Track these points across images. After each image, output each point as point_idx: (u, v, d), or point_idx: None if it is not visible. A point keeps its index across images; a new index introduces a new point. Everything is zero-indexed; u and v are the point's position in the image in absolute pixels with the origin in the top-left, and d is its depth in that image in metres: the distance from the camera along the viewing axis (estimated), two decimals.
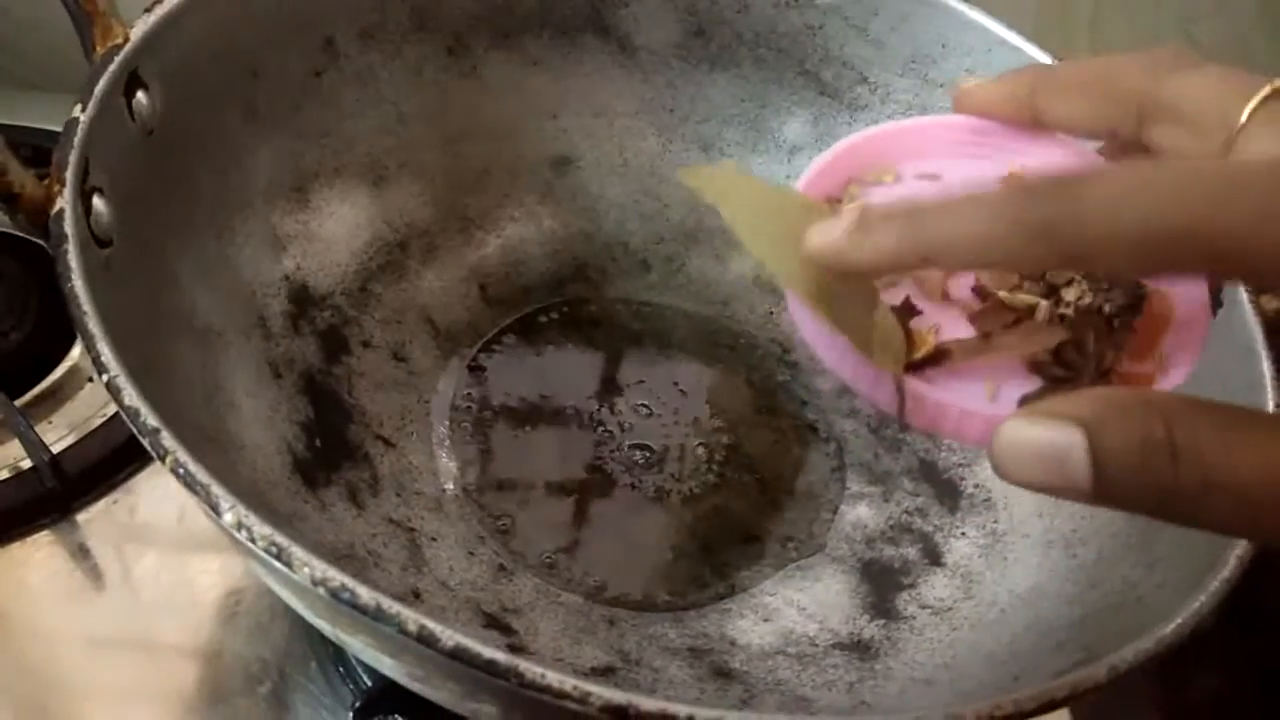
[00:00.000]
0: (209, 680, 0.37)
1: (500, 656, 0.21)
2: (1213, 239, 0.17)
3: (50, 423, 0.43)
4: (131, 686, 0.37)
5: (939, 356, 0.23)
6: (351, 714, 0.35)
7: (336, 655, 0.37)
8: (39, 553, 0.40)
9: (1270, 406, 0.31)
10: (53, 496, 0.41)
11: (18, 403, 0.42)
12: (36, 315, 0.47)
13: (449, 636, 0.21)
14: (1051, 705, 0.24)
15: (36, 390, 0.44)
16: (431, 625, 0.21)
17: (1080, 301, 0.24)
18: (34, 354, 0.45)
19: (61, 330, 0.46)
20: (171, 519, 0.41)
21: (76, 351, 0.46)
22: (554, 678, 0.21)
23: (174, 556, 0.41)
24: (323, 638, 0.38)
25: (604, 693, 0.21)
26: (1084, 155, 0.27)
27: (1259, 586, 0.56)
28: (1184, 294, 0.24)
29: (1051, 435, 0.19)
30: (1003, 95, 0.26)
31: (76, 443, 0.42)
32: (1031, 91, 0.26)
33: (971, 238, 0.19)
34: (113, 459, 0.42)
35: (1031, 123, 0.26)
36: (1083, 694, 0.24)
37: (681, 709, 0.21)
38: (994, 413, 0.23)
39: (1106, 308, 0.24)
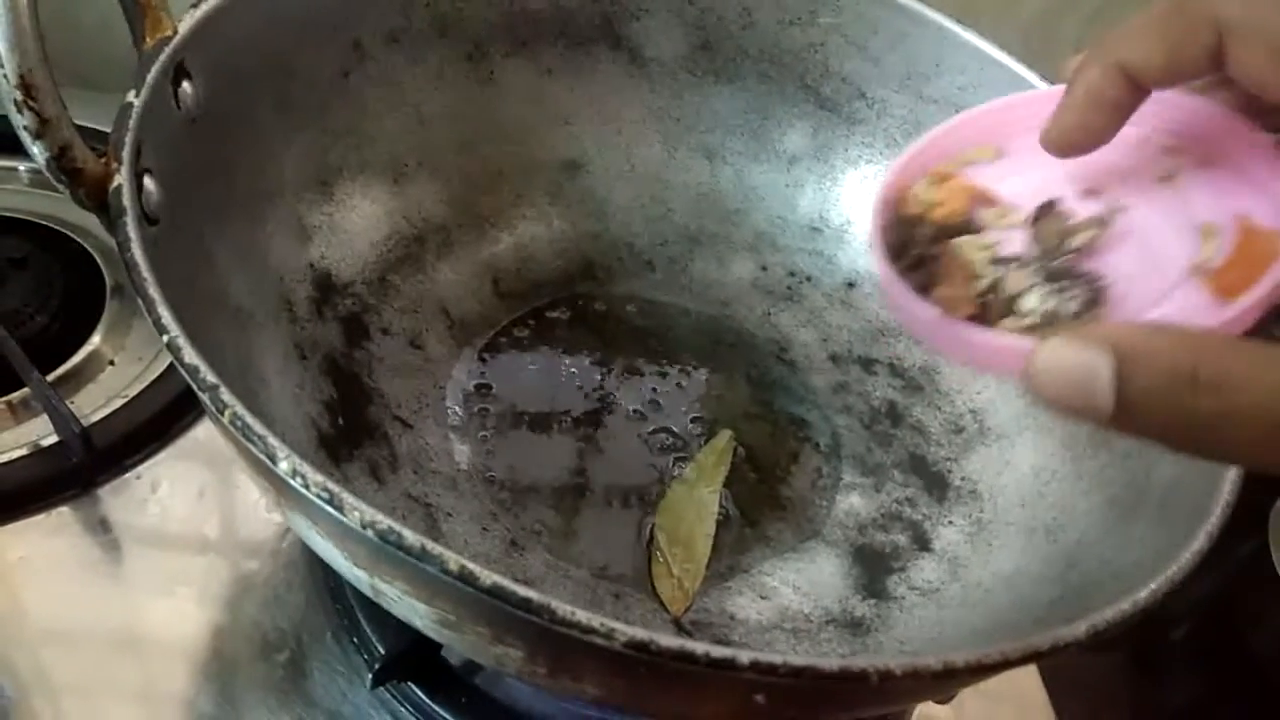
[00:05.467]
0: (228, 648, 0.39)
1: (534, 594, 0.23)
2: None
3: (73, 403, 0.44)
4: (151, 655, 0.39)
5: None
6: (371, 677, 0.36)
7: (352, 626, 0.39)
8: (61, 526, 0.42)
9: None
10: (76, 471, 0.42)
11: None
12: (60, 300, 0.48)
13: (487, 575, 0.23)
14: (1036, 656, 0.26)
15: (60, 371, 0.45)
16: (471, 565, 0.23)
17: (1043, 307, 0.25)
18: (57, 337, 0.47)
19: (83, 315, 0.48)
20: (192, 495, 0.43)
21: (98, 337, 0.47)
22: (583, 615, 0.23)
23: (193, 531, 0.42)
24: (338, 609, 0.40)
25: (628, 629, 0.23)
26: (1190, 111, 0.26)
27: (1230, 599, 0.59)
28: None
29: (1084, 356, 0.20)
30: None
31: (103, 419, 0.43)
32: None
33: None
34: (137, 436, 0.43)
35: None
36: (1064, 648, 0.26)
37: (698, 646, 0.23)
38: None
39: (1070, 307, 0.24)
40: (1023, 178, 0.28)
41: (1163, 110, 0.26)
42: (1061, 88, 0.27)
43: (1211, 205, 0.25)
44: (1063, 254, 0.26)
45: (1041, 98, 0.28)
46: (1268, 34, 0.21)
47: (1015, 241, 0.27)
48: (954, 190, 0.28)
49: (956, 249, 0.26)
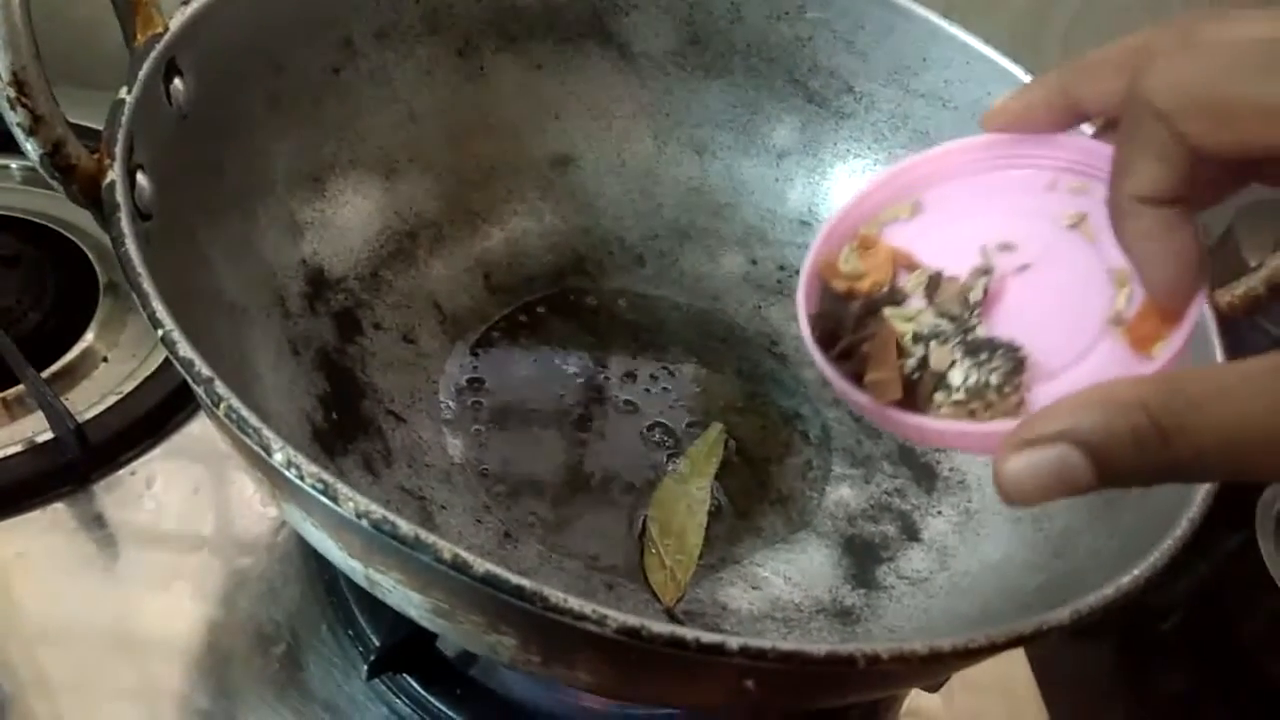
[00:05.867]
0: (224, 643, 0.39)
1: (527, 582, 0.23)
2: None
3: (67, 399, 0.45)
4: (147, 650, 0.39)
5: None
6: (366, 668, 0.37)
7: (347, 619, 0.39)
8: (56, 522, 0.42)
9: None
10: (71, 467, 0.42)
11: None
12: (52, 297, 0.48)
13: (480, 563, 0.23)
14: (1021, 640, 0.26)
15: (54, 368, 0.45)
16: (464, 554, 0.23)
17: (967, 383, 0.25)
18: (50, 334, 0.47)
19: (76, 312, 0.48)
20: (186, 491, 0.43)
21: (91, 334, 0.47)
22: (575, 602, 0.23)
23: (188, 527, 0.42)
24: (333, 602, 0.40)
25: (619, 616, 0.23)
26: (1090, 151, 0.27)
27: (1218, 591, 0.59)
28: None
29: (1046, 456, 0.20)
30: (1033, 101, 0.27)
31: (98, 415, 0.43)
32: (1062, 88, 0.26)
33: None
34: (132, 432, 0.44)
35: (1067, 119, 0.26)
36: (1049, 632, 0.26)
37: (688, 632, 0.23)
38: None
39: (993, 379, 0.25)
40: (939, 234, 0.28)
41: (1065, 153, 0.27)
42: (978, 137, 0.28)
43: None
44: (971, 314, 0.27)
45: (956, 149, 0.29)
46: (1200, 103, 0.22)
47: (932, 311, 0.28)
48: (878, 257, 0.28)
49: (884, 325, 0.27)
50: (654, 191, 0.51)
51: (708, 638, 0.23)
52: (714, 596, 0.39)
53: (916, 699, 0.43)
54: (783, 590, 0.39)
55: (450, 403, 0.43)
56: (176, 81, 0.34)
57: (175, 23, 0.34)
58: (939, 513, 0.42)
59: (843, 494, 0.43)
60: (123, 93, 0.31)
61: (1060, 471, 0.20)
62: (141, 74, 0.32)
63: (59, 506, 0.42)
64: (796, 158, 0.50)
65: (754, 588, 0.39)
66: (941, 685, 0.41)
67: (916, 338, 0.26)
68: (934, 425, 0.25)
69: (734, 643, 0.23)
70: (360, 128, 0.44)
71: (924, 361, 0.26)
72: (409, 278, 0.45)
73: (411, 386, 0.42)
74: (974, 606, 0.37)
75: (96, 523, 0.42)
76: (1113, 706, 0.58)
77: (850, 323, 0.27)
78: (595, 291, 0.49)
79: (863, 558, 0.41)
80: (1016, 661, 0.47)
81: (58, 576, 0.40)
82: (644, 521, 0.41)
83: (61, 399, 0.44)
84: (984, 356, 0.25)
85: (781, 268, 0.50)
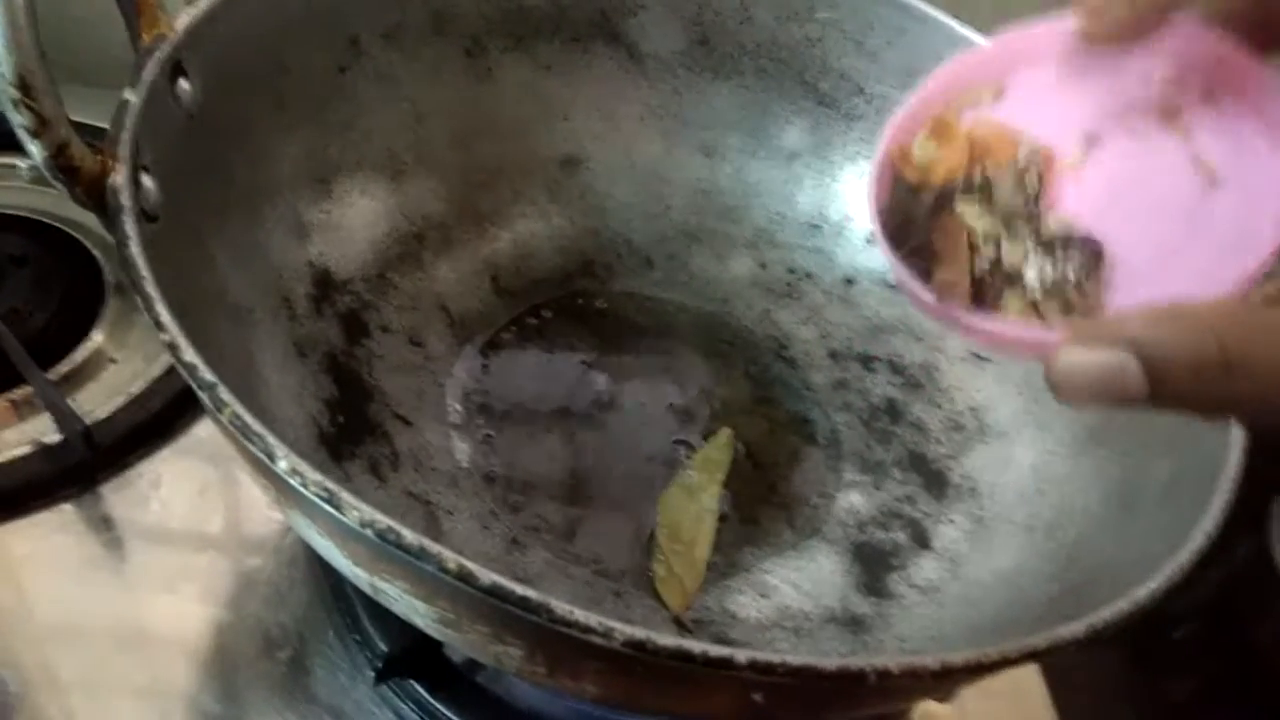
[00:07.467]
0: (231, 645, 0.39)
1: (532, 593, 0.23)
2: None
3: (74, 401, 0.44)
4: (154, 652, 0.39)
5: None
6: (373, 674, 0.36)
7: (354, 623, 0.39)
8: (64, 524, 0.42)
9: None
10: (79, 469, 0.42)
11: None
12: (60, 298, 0.48)
13: (485, 574, 0.23)
14: (1034, 656, 0.26)
15: (62, 369, 0.45)
16: (469, 564, 0.23)
17: (1044, 277, 0.24)
18: (57, 335, 0.47)
19: (84, 313, 0.48)
20: (194, 492, 0.43)
21: (99, 335, 0.47)
22: (581, 614, 0.23)
23: (195, 529, 0.42)
24: (339, 607, 0.40)
25: (626, 628, 0.23)
26: (1191, 40, 0.25)
27: (1230, 596, 0.59)
28: None
29: (1105, 358, 0.20)
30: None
31: (106, 416, 0.43)
32: None
33: None
34: (139, 433, 0.44)
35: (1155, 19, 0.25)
36: (1063, 647, 0.26)
37: (696, 645, 0.23)
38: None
39: (1070, 273, 0.24)
40: (1023, 121, 0.27)
41: (1166, 40, 0.25)
42: (1068, 19, 0.26)
43: (1217, 145, 0.25)
44: (1034, 203, 0.25)
45: (1044, 30, 0.27)
46: None
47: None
48: (953, 144, 0.27)
49: (954, 220, 0.26)
50: (663, 193, 0.50)
51: (715, 651, 0.23)
52: (722, 604, 0.38)
53: (928, 705, 0.43)
54: (792, 598, 0.39)
55: (458, 406, 0.42)
56: (182, 82, 0.34)
57: (181, 24, 0.34)
58: (950, 520, 0.42)
59: (852, 500, 0.43)
60: (128, 94, 0.31)
61: (1113, 377, 0.20)
62: (147, 75, 0.32)
63: (66, 508, 0.42)
64: (806, 160, 0.50)
65: (763, 596, 0.39)
66: (953, 696, 0.40)
67: (986, 237, 0.25)
68: (1006, 330, 0.24)
69: (742, 656, 0.23)
70: (367, 128, 0.44)
71: (996, 259, 0.25)
72: (416, 280, 0.45)
73: (419, 390, 0.42)
74: (986, 616, 0.36)
75: (104, 524, 0.42)
76: (1125, 713, 0.58)
77: (922, 218, 0.26)
78: (603, 294, 0.48)
79: (873, 566, 0.40)
80: (1028, 668, 0.46)
81: (65, 577, 0.40)
82: (652, 528, 0.40)
83: (69, 400, 0.43)
84: (1059, 252, 0.25)
85: (791, 270, 0.50)
